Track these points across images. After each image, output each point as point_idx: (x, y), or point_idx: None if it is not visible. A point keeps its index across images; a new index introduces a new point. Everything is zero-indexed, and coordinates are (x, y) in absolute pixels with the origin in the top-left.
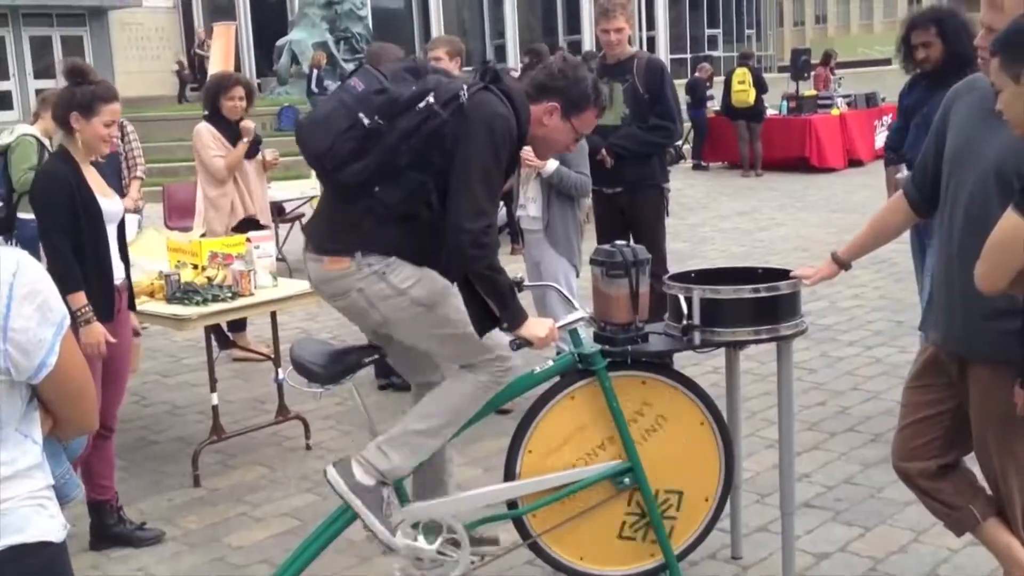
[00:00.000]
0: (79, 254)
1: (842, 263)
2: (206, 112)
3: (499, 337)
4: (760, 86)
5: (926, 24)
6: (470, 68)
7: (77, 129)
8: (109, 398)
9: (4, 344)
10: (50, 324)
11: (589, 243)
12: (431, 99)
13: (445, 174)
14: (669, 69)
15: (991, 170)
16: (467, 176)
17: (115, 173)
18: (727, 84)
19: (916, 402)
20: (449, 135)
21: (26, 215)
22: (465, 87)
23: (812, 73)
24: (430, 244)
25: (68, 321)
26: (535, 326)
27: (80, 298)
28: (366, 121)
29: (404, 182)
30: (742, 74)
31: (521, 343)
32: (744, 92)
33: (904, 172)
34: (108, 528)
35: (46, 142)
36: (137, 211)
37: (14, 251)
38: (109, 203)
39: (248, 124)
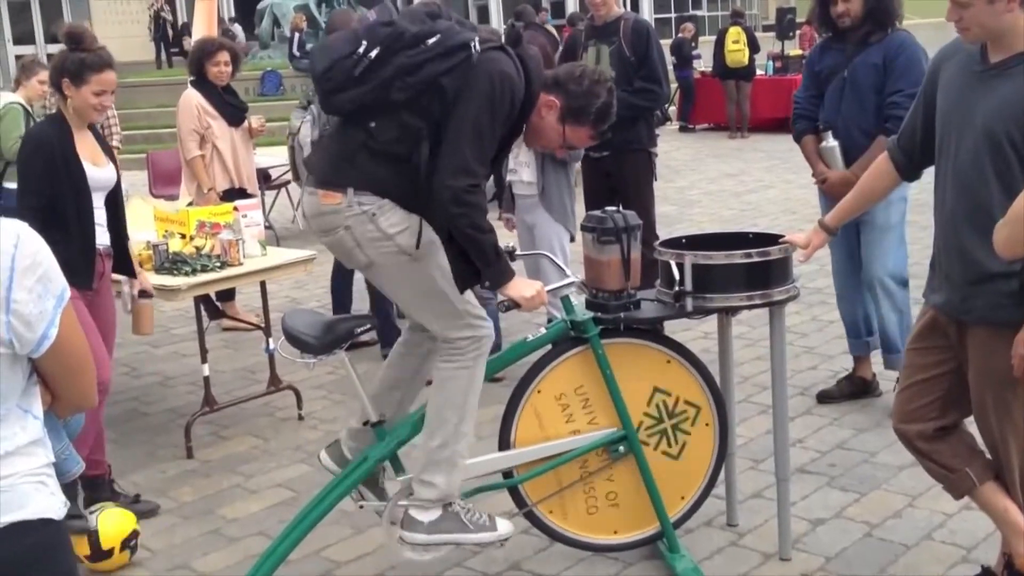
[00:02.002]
0: (61, 221)
1: (830, 230)
2: (192, 78)
3: (472, 302)
4: (753, 45)
5: None
6: None
7: (68, 95)
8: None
9: (7, 316)
10: (51, 296)
11: (579, 208)
12: (433, 40)
13: (441, 125)
14: (654, 29)
15: (980, 131)
16: (459, 131)
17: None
18: (720, 43)
19: (916, 364)
20: (450, 86)
21: (13, 184)
22: (477, 39)
23: (798, 32)
24: (422, 188)
25: (68, 293)
26: (522, 286)
27: None
28: (363, 49)
29: (399, 122)
30: (736, 33)
31: (509, 304)
32: (739, 52)
33: (831, 141)
34: (102, 502)
35: (30, 109)
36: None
37: (14, 223)
38: (99, 171)
39: (260, 128)
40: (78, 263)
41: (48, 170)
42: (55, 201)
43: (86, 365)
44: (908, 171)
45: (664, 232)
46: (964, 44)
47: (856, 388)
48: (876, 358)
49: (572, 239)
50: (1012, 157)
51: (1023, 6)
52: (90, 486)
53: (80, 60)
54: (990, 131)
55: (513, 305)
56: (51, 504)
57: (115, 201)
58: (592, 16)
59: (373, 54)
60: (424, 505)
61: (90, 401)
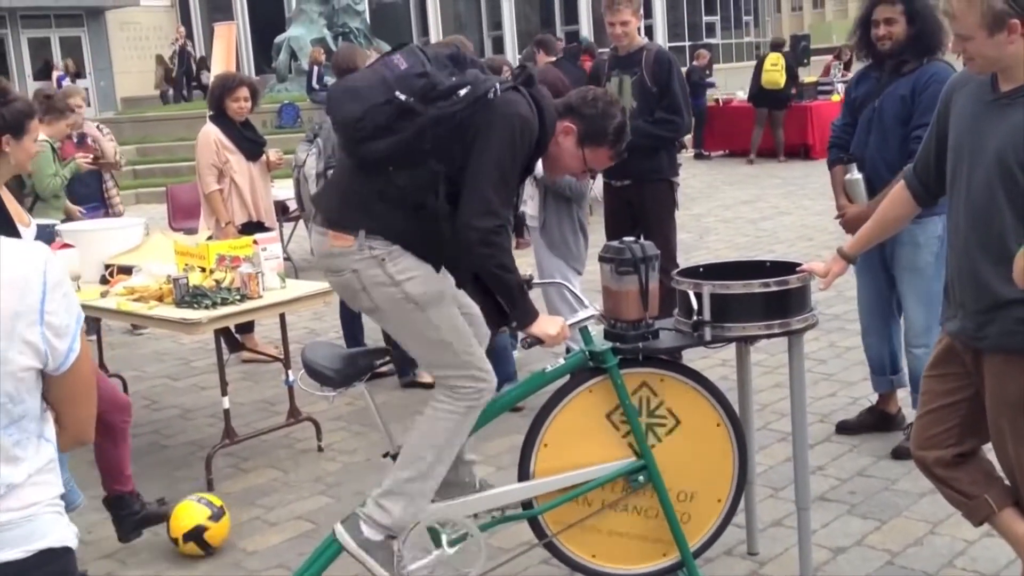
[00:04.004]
0: None
1: (849, 258)
2: (211, 113)
3: (478, 355)
4: (791, 74)
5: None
6: None
7: (7, 152)
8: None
9: (42, 328)
10: (73, 312)
11: (598, 236)
12: (465, 91)
13: (460, 167)
14: (675, 59)
15: (992, 160)
16: (481, 174)
17: (96, 179)
18: (759, 69)
19: (934, 391)
20: (471, 128)
21: (39, 220)
22: (497, 84)
23: (812, 58)
24: (436, 235)
25: (83, 315)
26: (546, 324)
27: None
28: (402, 98)
29: (419, 167)
30: (775, 57)
31: (533, 341)
32: (776, 72)
33: (855, 174)
34: (136, 515)
35: (56, 145)
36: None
37: (40, 245)
38: (27, 231)
39: (278, 161)
40: None
41: None
42: None
43: (93, 392)
44: (925, 199)
45: (680, 260)
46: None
47: (877, 421)
48: (902, 392)
49: (580, 273)
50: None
51: None
52: (119, 504)
53: (18, 111)
54: (1002, 159)
55: (536, 342)
56: (68, 533)
57: None
58: (615, 47)
59: (408, 104)
60: (371, 524)
61: (88, 434)
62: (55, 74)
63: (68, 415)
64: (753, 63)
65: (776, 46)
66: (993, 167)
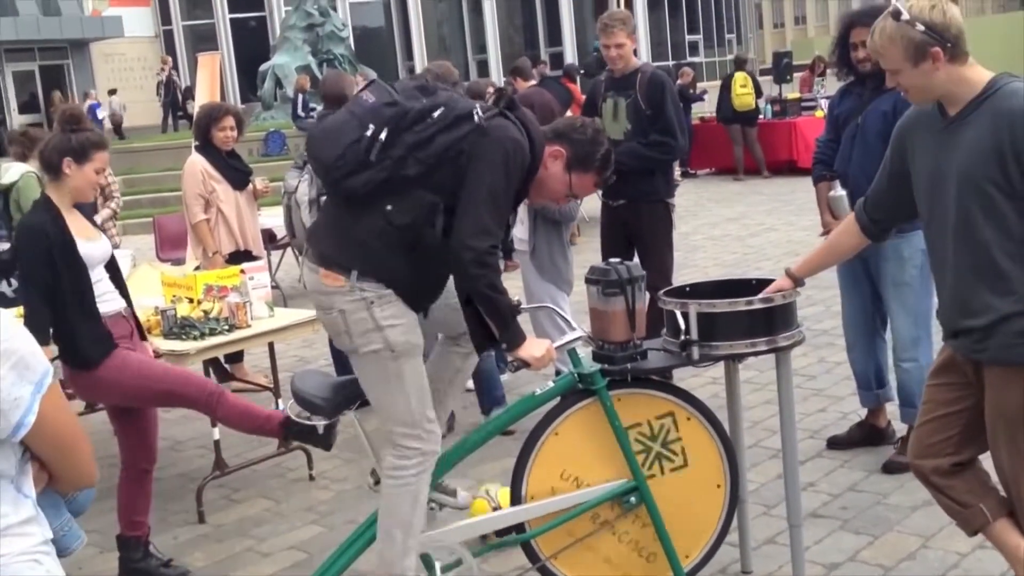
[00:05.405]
0: (60, 304)
1: (795, 279)
2: (197, 143)
3: (429, 416)
4: (758, 90)
5: (868, 21)
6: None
7: (68, 175)
8: (140, 435)
9: None
10: (27, 383)
11: (591, 256)
12: (438, 113)
13: (455, 195)
14: (670, 81)
15: (960, 182)
16: (476, 196)
17: (91, 211)
18: (726, 88)
19: (935, 400)
20: (463, 156)
21: None
22: (479, 108)
23: (796, 76)
24: (429, 276)
25: (48, 379)
26: (533, 347)
27: (47, 353)
28: (371, 132)
29: (414, 201)
30: (743, 78)
31: (519, 364)
32: (748, 95)
33: (838, 190)
34: (134, 563)
35: (43, 177)
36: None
37: None
38: (93, 246)
39: (264, 189)
40: (89, 339)
41: (46, 260)
42: (56, 284)
43: (77, 445)
44: (873, 234)
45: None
46: (919, 107)
47: (867, 435)
48: (891, 406)
49: (569, 293)
50: (995, 193)
51: (952, 62)
52: (124, 546)
53: (85, 139)
54: (969, 177)
55: (523, 365)
56: None
57: (114, 269)
58: (611, 69)
59: (383, 136)
60: None
61: (88, 478)
62: (88, 102)
63: (53, 467)
64: None
65: (740, 64)
66: (963, 187)
